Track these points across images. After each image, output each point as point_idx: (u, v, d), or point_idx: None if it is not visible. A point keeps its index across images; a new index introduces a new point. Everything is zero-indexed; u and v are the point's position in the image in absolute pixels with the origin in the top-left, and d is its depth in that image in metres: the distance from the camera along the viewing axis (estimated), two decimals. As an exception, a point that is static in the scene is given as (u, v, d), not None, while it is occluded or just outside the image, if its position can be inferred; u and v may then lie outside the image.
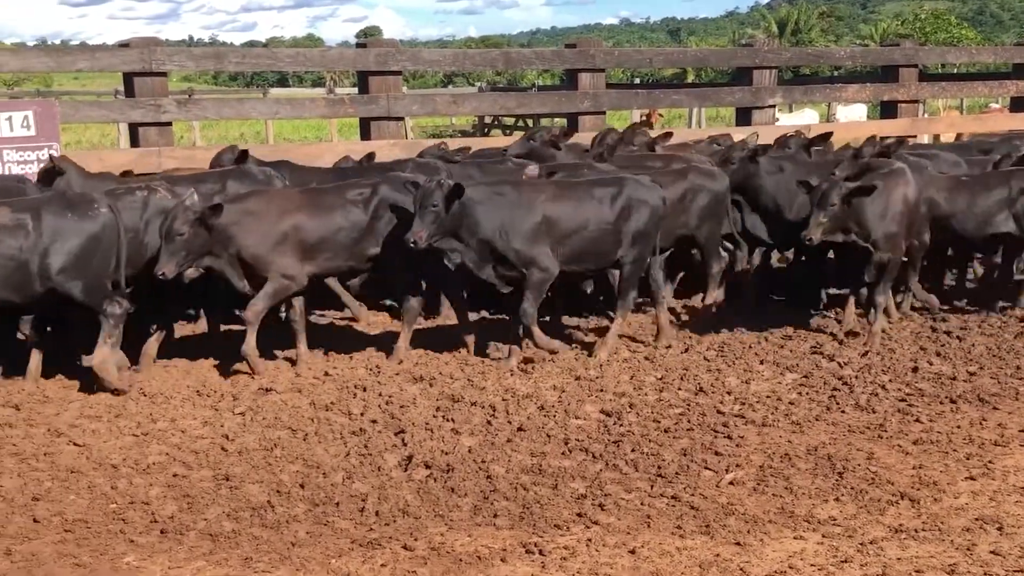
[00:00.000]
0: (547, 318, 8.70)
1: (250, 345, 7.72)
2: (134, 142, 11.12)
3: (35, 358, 7.66)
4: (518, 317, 7.88)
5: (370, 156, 10.16)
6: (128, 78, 10.92)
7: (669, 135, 11.50)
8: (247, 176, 8.80)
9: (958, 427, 6.51)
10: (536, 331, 7.92)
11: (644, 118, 23.42)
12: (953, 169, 9.97)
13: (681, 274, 10.04)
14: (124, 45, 11.08)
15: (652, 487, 5.70)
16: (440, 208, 7.48)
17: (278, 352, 8.18)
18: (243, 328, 7.73)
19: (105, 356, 7.34)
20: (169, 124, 11.04)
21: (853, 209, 8.09)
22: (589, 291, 9.59)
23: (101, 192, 7.77)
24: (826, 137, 10.82)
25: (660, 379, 7.61)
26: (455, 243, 7.73)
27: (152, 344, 7.96)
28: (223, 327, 8.79)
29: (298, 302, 8.00)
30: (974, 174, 9.53)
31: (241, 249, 7.63)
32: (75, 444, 6.51)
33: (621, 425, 6.65)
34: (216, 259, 7.64)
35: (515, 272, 7.80)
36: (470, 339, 8.33)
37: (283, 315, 8.56)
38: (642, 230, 8.11)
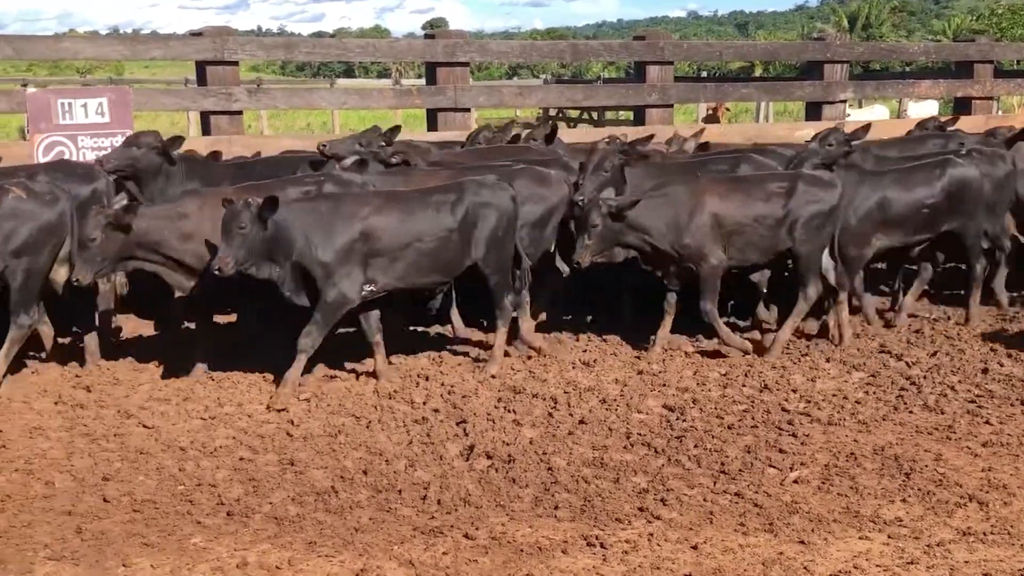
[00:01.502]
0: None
1: (296, 369, 7.55)
2: (205, 130, 11.25)
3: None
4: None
5: (216, 154, 9.49)
6: (200, 67, 11.07)
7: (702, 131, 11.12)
8: (65, 171, 8.21)
9: (1029, 430, 6.39)
10: (299, 368, 7.23)
11: (711, 112, 23.25)
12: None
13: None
14: (197, 34, 11.27)
15: (715, 483, 5.66)
16: (248, 230, 6.84)
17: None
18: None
19: None
20: (240, 113, 11.17)
21: (635, 222, 7.69)
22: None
23: None
24: (649, 138, 9.87)
25: (724, 375, 7.56)
26: (274, 268, 7.12)
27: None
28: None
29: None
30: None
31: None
32: (144, 426, 6.64)
33: (684, 420, 6.62)
34: (147, 262, 7.29)
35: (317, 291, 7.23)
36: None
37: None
38: (492, 235, 7.56)
